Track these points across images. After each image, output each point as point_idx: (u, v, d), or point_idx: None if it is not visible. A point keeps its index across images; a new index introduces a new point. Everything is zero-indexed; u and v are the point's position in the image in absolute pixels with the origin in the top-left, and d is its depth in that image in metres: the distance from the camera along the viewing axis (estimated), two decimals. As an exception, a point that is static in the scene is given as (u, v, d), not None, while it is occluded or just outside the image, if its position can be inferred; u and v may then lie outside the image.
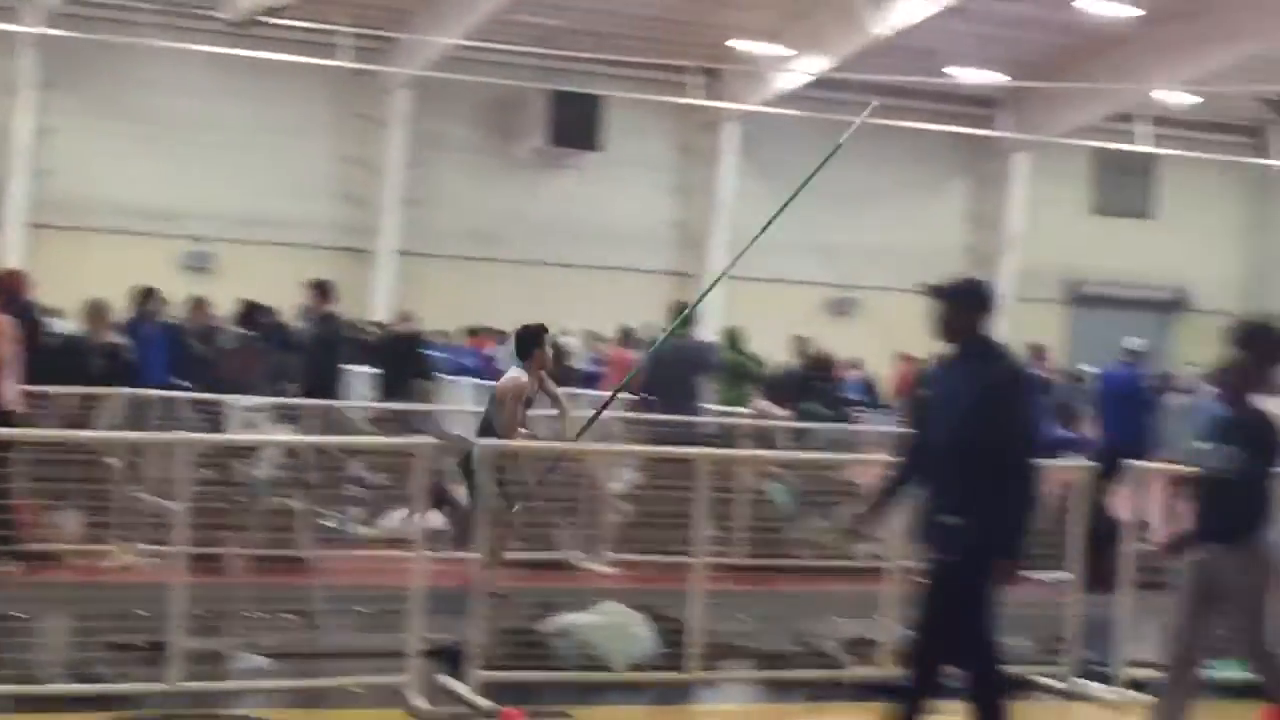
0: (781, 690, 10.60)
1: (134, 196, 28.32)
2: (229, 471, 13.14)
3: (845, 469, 14.97)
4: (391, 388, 20.00)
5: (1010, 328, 31.78)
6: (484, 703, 9.37)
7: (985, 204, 34.57)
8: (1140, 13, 28.22)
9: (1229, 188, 36.06)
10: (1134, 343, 17.59)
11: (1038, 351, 22.06)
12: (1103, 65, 30.41)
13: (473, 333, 26.75)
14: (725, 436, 16.57)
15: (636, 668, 10.29)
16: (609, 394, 19.69)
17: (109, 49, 27.34)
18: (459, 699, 9.52)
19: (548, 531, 14.30)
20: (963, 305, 8.04)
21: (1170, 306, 35.50)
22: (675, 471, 12.02)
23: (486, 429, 12.89)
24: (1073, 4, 27.95)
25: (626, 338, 24.22)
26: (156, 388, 15.92)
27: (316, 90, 29.60)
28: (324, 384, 17.49)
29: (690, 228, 32.53)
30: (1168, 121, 33.56)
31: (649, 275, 31.11)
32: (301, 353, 18.51)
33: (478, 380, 22.36)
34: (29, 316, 16.95)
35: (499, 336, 25.95)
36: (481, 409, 19.69)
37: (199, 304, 20.35)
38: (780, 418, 17.97)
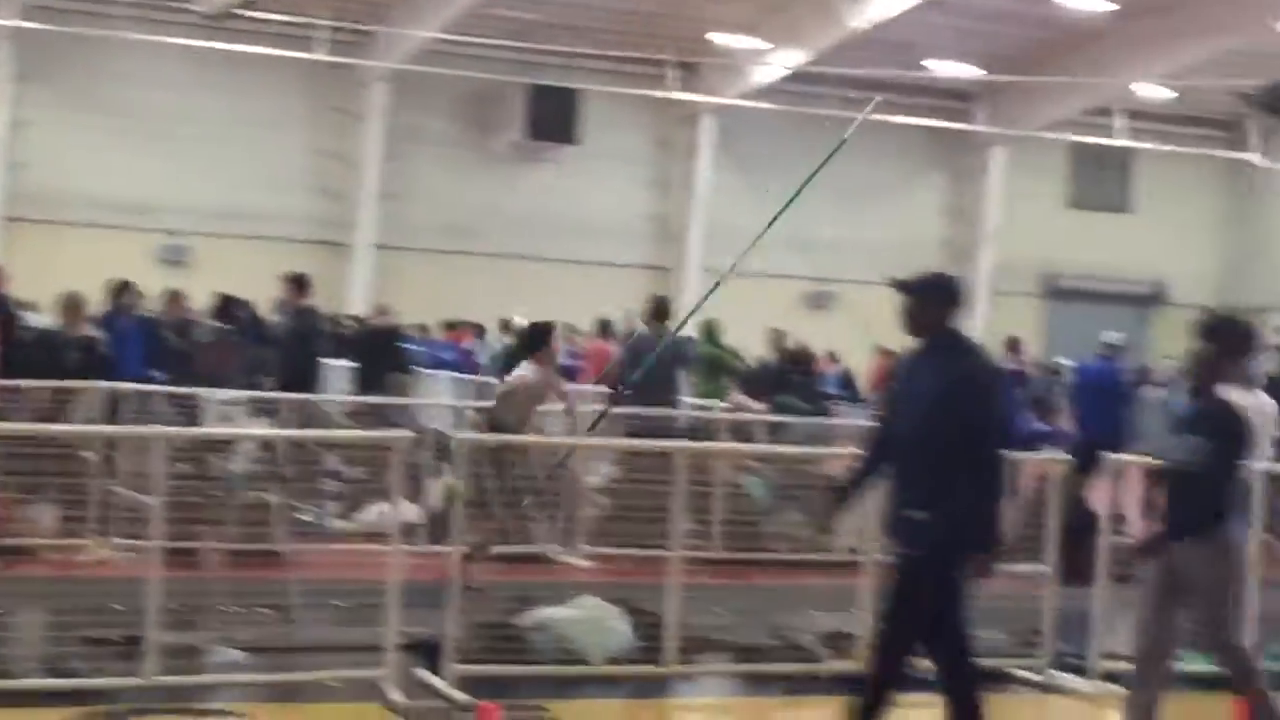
0: (758, 684, 10.60)
1: (109, 190, 28.24)
2: (205, 465, 13.11)
3: (822, 463, 14.97)
4: (368, 381, 20.00)
5: (987, 321, 31.90)
6: (461, 697, 9.36)
7: (962, 198, 34.63)
8: (1115, 7, 28.29)
9: (1205, 182, 36.16)
10: (1111, 336, 17.64)
11: (1013, 344, 22.11)
12: (1079, 59, 30.45)
13: (450, 326, 26.73)
14: (703, 430, 16.59)
15: (613, 661, 10.28)
16: (586, 387, 19.75)
17: (84, 42, 27.25)
18: (436, 693, 9.51)
19: (525, 525, 14.28)
20: (930, 300, 8.04)
21: (1147, 300, 35.58)
22: (652, 465, 12.02)
23: (495, 425, 12.91)
24: (1050, -2, 28.02)
25: (604, 331, 24.19)
26: (132, 381, 15.87)
27: (293, 83, 29.53)
28: (300, 378, 17.46)
29: (667, 221, 32.54)
30: (1144, 116, 33.64)
31: (626, 269, 31.11)
32: (277, 346, 18.47)
33: (456, 374, 22.33)
34: (4, 310, 16.95)
35: (476, 330, 25.96)
36: (460, 403, 19.82)
37: (174, 297, 20.31)
38: (757, 411, 17.98)
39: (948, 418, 7.77)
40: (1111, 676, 10.37)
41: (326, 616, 10.92)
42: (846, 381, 26.40)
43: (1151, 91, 32.27)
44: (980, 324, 31.81)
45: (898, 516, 7.94)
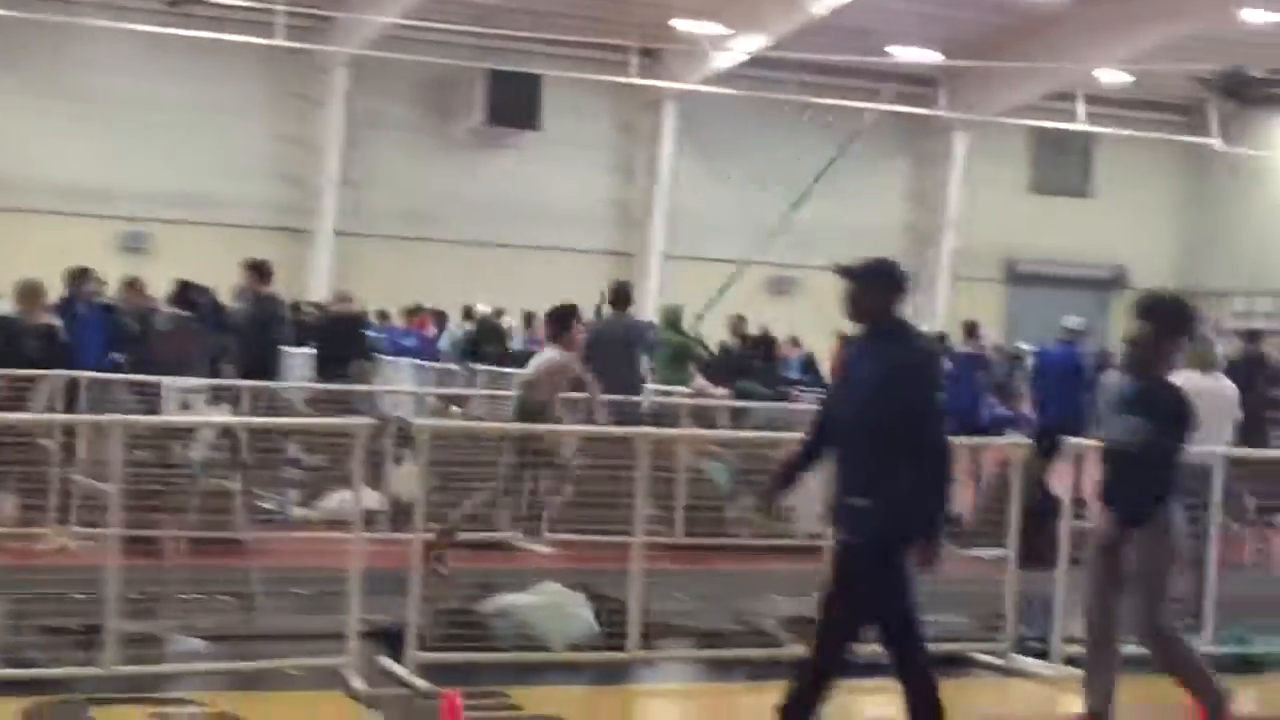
0: (721, 669, 10.60)
1: (70, 176, 28.12)
2: (165, 453, 13.03)
3: (784, 448, 14.96)
4: (330, 368, 19.91)
5: (949, 306, 32.02)
6: (423, 684, 9.34)
7: (924, 183, 34.72)
8: (1076, -8, 28.40)
9: (1164, 166, 36.33)
10: (1072, 321, 17.68)
11: (971, 329, 22.17)
12: (1039, 45, 30.56)
13: (412, 312, 26.68)
14: (665, 415, 16.58)
15: (575, 648, 10.27)
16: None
17: (46, 28, 27.11)
18: (397, 680, 9.48)
19: (487, 512, 14.25)
20: (873, 286, 8.05)
21: (1108, 284, 35.72)
22: (614, 451, 12.01)
23: (524, 407, 12.97)
24: (1009, -17, 28.09)
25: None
26: (92, 368, 15.78)
27: (253, 69, 29.44)
28: (261, 365, 17.39)
29: (629, 207, 32.55)
30: (1104, 101, 33.78)
31: (588, 254, 31.11)
32: (238, 333, 18.39)
33: (417, 361, 22.29)
34: (-39, 298, 16.83)
35: (436, 317, 25.91)
36: (422, 390, 19.78)
37: (133, 284, 20.19)
38: (719, 397, 17.98)
39: (889, 404, 7.78)
40: (1073, 660, 10.38)
41: (287, 604, 10.87)
42: (809, 366, 26.46)
43: (1111, 76, 32.39)
44: (942, 309, 31.94)
45: (840, 503, 7.95)
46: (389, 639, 9.77)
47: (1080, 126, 33.67)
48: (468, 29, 29.23)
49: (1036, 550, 11.06)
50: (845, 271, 8.07)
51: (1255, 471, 13.09)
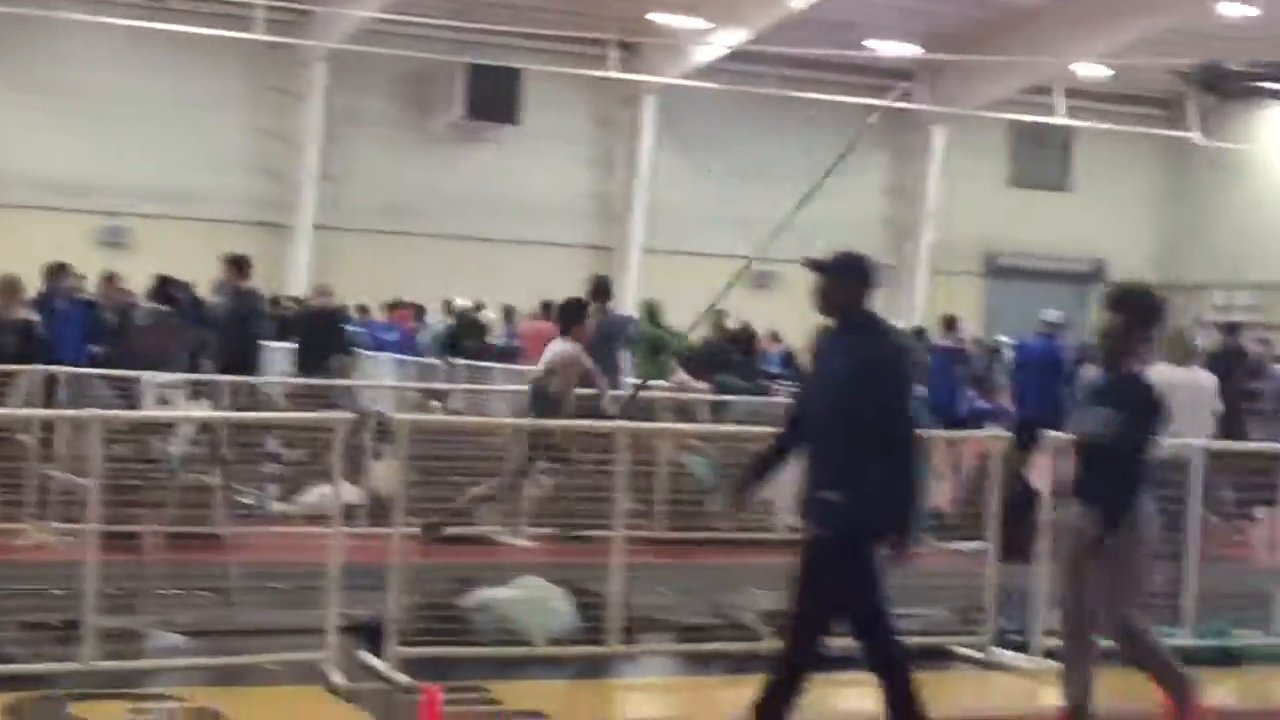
0: (701, 663, 10.61)
1: (48, 171, 28.04)
2: (144, 448, 13.00)
3: (765, 441, 14.96)
4: (309, 363, 19.89)
5: (928, 299, 32.05)
6: (403, 678, 9.33)
7: (903, 176, 34.74)
8: (1055, -14, 28.44)
9: (1143, 159, 36.39)
10: (1051, 314, 17.71)
11: (950, 323, 22.21)
12: (1018, 39, 30.61)
13: (392, 307, 26.64)
14: (645, 409, 16.57)
15: (556, 642, 10.27)
16: (526, 368, 19.69)
17: (24, 22, 27.03)
18: (378, 675, 9.47)
19: (468, 506, 14.25)
20: (844, 280, 8.06)
21: (1087, 278, 35.78)
22: (595, 445, 12.01)
23: (541, 399, 13.03)
24: (989, -23, 28.12)
25: (546, 311, 24.11)
26: (70, 364, 15.75)
27: (232, 64, 29.36)
28: (240, 359, 17.37)
29: (609, 201, 32.53)
30: (1083, 94, 33.82)
31: (568, 249, 31.10)
32: (217, 328, 18.36)
33: (398, 355, 22.26)
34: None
35: (415, 311, 25.86)
36: (402, 384, 19.77)
37: (111, 279, 20.17)
38: (699, 391, 17.98)
39: (860, 398, 7.79)
40: (1053, 654, 10.41)
41: (267, 599, 10.85)
42: (789, 360, 26.45)
43: (1090, 70, 32.44)
44: (921, 303, 31.99)
45: (810, 497, 7.95)
46: (369, 634, 9.76)
47: (1059, 120, 33.72)
48: (447, 23, 29.19)
49: (1016, 544, 11.08)
50: (815, 265, 8.09)
51: (1233, 464, 13.11)
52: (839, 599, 7.88)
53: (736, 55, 30.46)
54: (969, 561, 11.59)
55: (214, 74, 29.39)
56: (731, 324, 22.24)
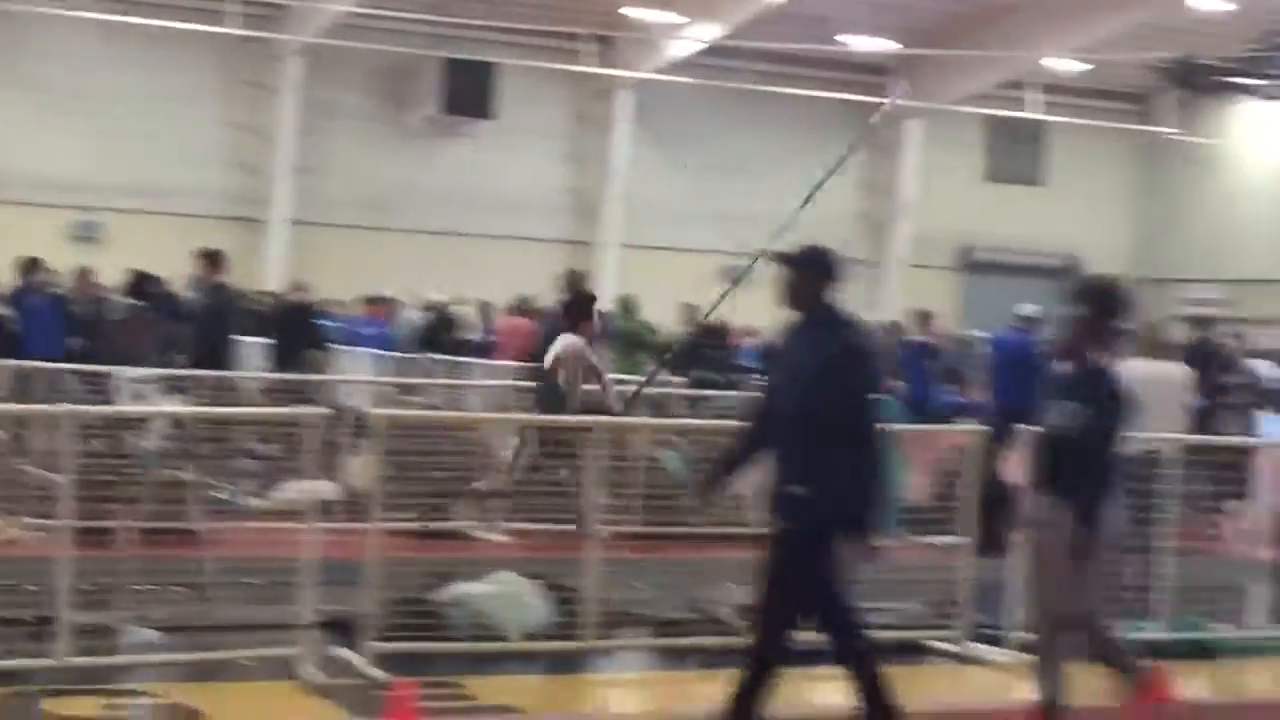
0: (676, 657, 10.62)
1: (20, 166, 27.89)
2: (117, 443, 12.97)
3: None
4: (284, 358, 19.88)
5: (904, 294, 32.07)
6: (377, 674, 9.33)
7: (879, 171, 34.71)
8: (1030, -20, 28.49)
9: (1118, 154, 36.45)
10: (1026, 309, 17.73)
11: (924, 318, 22.22)
12: (994, 33, 30.65)
13: (371, 302, 26.57)
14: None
15: (531, 637, 10.27)
16: (503, 363, 19.69)
17: (-4, 16, 26.91)
18: (352, 670, 9.47)
19: (443, 501, 14.24)
20: (809, 273, 8.08)
21: (1061, 273, 35.80)
22: (570, 439, 12.02)
23: (546, 393, 13.05)
24: (964, -28, 28.16)
25: (521, 306, 24.10)
26: (42, 359, 15.71)
27: (206, 57, 29.27)
28: (214, 354, 17.34)
29: (585, 196, 32.49)
30: (1058, 89, 33.87)
31: (544, 244, 31.03)
32: (192, 323, 18.33)
33: (376, 350, 22.22)
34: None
35: (389, 306, 25.75)
36: (379, 380, 19.74)
37: (84, 274, 20.13)
38: (675, 386, 17.99)
39: (825, 392, 7.80)
40: (1028, 648, 10.44)
41: (242, 595, 10.84)
42: (765, 354, 26.44)
43: (1065, 65, 32.50)
44: (896, 297, 32.02)
45: (777, 491, 7.95)
46: (343, 629, 9.75)
47: (1034, 115, 33.77)
48: (422, 17, 29.12)
49: (990, 537, 11.11)
50: (782, 259, 8.11)
51: (1207, 458, 13.15)
52: (806, 593, 7.89)
53: (713, 50, 30.45)
54: (943, 556, 11.62)
55: (188, 68, 29.29)
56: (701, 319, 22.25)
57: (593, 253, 31.67)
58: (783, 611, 7.96)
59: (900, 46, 31.42)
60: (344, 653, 9.63)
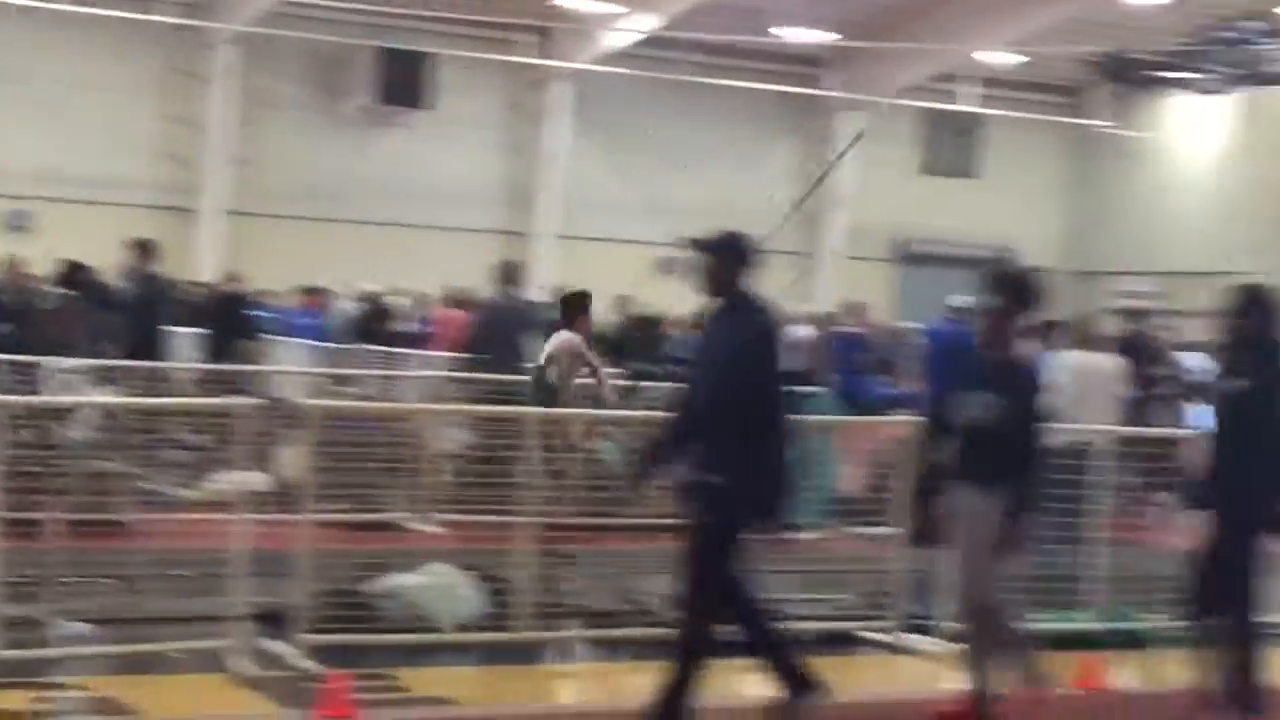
0: (609, 648, 10.62)
1: (-52, 154, 27.62)
2: (46, 434, 12.86)
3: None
4: (217, 349, 19.76)
5: (839, 286, 32.15)
6: (309, 666, 9.29)
7: (813, 163, 34.74)
8: (964, -28, 28.61)
9: (1051, 147, 36.63)
10: (957, 299, 17.79)
11: (858, 309, 22.28)
12: (927, 25, 30.75)
13: (305, 292, 26.43)
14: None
15: (464, 628, 10.25)
16: (440, 354, 19.65)
17: (-78, 2, 26.61)
18: (284, 663, 9.43)
19: (375, 492, 14.20)
20: (723, 258, 8.11)
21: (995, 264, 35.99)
22: (505, 430, 11.99)
23: (541, 389, 13.03)
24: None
25: (457, 297, 24.02)
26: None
27: (139, 45, 29.02)
28: (146, 345, 17.22)
29: (521, 186, 32.41)
30: (992, 82, 34.04)
31: (479, 234, 30.95)
32: (123, 313, 18.19)
33: (310, 341, 22.11)
34: None
35: (323, 297, 25.64)
36: (313, 370, 19.65)
37: (13, 264, 19.96)
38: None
39: (741, 378, 7.80)
40: (959, 638, 10.49)
41: (171, 587, 10.78)
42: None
43: (999, 58, 32.65)
44: (831, 288, 32.09)
45: (691, 480, 7.95)
46: (275, 621, 9.70)
47: (967, 108, 33.91)
48: (357, 6, 28.97)
49: (925, 529, 11.14)
50: (697, 244, 8.14)
51: (1138, 450, 13.24)
52: (721, 582, 7.89)
53: (650, 41, 30.43)
54: (876, 547, 11.66)
55: (120, 56, 29.03)
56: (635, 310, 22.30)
57: (529, 243, 31.61)
58: (703, 602, 7.96)
59: (836, 38, 31.49)
60: (276, 645, 9.58)
